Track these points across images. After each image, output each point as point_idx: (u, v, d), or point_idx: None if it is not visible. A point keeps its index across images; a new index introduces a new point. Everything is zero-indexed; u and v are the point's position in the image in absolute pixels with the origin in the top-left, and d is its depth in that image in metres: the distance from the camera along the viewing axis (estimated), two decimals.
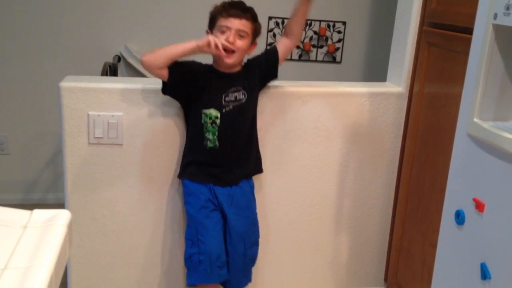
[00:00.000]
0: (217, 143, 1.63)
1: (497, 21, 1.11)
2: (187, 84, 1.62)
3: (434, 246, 1.41)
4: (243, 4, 1.64)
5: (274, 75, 1.74)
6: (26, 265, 0.58)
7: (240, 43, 1.59)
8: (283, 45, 1.74)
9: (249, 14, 1.62)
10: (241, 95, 1.65)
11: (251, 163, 1.75)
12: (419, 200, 1.84)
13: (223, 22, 1.59)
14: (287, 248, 1.99)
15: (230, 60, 1.60)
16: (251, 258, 1.75)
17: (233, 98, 1.64)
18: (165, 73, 1.57)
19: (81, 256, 1.81)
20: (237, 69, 1.67)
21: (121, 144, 1.73)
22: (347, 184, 1.97)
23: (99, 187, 1.76)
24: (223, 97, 1.62)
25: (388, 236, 2.07)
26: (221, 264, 1.65)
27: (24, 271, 0.56)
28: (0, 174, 2.87)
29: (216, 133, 1.62)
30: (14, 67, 2.76)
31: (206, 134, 1.63)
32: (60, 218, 0.67)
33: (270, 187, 1.89)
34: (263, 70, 1.72)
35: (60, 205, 1.80)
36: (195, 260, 1.63)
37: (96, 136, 1.70)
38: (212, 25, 1.64)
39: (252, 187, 1.76)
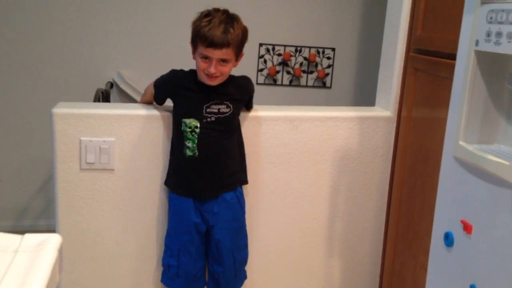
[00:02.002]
0: (196, 151, 1.62)
1: (479, 48, 1.15)
2: (171, 98, 1.70)
3: (425, 269, 1.42)
4: (224, 23, 1.52)
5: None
6: None
7: (224, 69, 1.57)
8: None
9: (230, 38, 1.52)
10: (225, 108, 1.63)
11: (234, 174, 1.72)
12: (409, 223, 1.85)
13: (204, 51, 1.53)
14: (279, 272, 1.98)
15: (214, 82, 1.59)
16: (241, 262, 1.78)
17: (215, 110, 1.62)
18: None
19: (71, 283, 1.79)
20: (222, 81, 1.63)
21: (113, 169, 1.74)
22: (338, 207, 1.98)
23: (90, 213, 1.76)
24: (204, 107, 1.61)
25: (380, 259, 2.07)
26: (198, 278, 1.73)
27: None
28: None
29: (196, 141, 1.61)
30: (6, 93, 2.78)
31: (186, 142, 1.61)
32: (51, 242, 0.68)
33: (261, 211, 1.90)
34: (245, 103, 1.76)
35: (51, 231, 1.78)
36: (173, 272, 1.71)
37: (88, 161, 1.71)
38: (194, 43, 1.59)
39: (239, 196, 1.74)
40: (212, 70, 1.54)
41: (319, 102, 3.02)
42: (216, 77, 1.57)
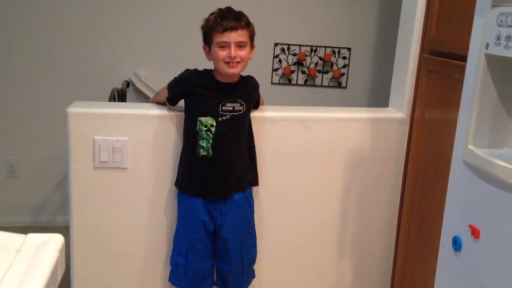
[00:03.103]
0: (210, 151, 1.64)
1: (489, 51, 1.13)
2: (185, 97, 1.72)
3: (435, 272, 1.41)
4: (233, 12, 1.61)
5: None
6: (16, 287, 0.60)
7: (243, 53, 1.60)
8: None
9: (243, 22, 1.59)
10: (239, 106, 1.66)
11: (244, 175, 1.74)
12: (421, 226, 1.83)
13: (220, 38, 1.58)
14: (289, 273, 1.99)
15: (236, 69, 1.62)
16: (249, 261, 1.79)
17: (231, 108, 1.65)
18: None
19: (85, 279, 1.83)
20: (236, 79, 1.68)
21: (126, 168, 1.77)
22: (350, 208, 1.98)
23: (103, 210, 1.79)
24: (220, 106, 1.64)
25: (392, 261, 2.06)
26: (206, 277, 1.75)
27: None
28: (10, 196, 2.93)
29: (211, 141, 1.63)
30: (25, 92, 2.85)
31: (200, 142, 1.64)
32: (52, 242, 0.69)
33: (272, 211, 1.90)
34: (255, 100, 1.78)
35: (68, 227, 1.83)
36: (180, 270, 1.73)
37: (101, 160, 1.74)
38: (208, 40, 1.63)
39: (248, 197, 1.76)
40: (233, 53, 1.58)
41: (334, 102, 3.01)
42: (238, 62, 1.60)
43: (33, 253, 0.67)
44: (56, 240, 0.70)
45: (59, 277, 0.69)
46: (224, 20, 1.57)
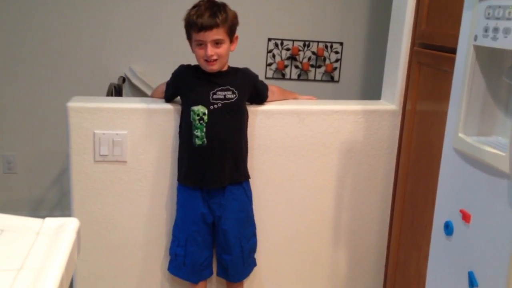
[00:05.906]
0: (205, 139, 1.67)
1: (477, 42, 1.18)
2: (179, 93, 1.77)
3: (428, 259, 1.46)
4: (210, 9, 1.62)
5: (259, 104, 1.86)
6: (39, 265, 0.64)
7: (219, 50, 1.64)
8: (272, 97, 1.88)
9: (218, 20, 1.60)
10: (230, 94, 1.69)
11: (241, 165, 1.78)
12: (413, 214, 1.89)
13: (197, 37, 1.63)
14: (286, 262, 2.04)
15: (214, 66, 1.66)
16: (250, 250, 1.84)
17: (222, 96, 1.68)
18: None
19: (86, 271, 1.87)
20: (224, 68, 1.72)
21: (125, 161, 1.80)
22: (344, 198, 2.03)
23: (103, 203, 1.83)
24: (210, 94, 1.67)
25: (385, 249, 2.12)
26: (204, 267, 1.79)
27: (38, 271, 0.63)
28: (8, 192, 2.95)
29: (204, 130, 1.67)
30: (22, 88, 2.86)
31: (195, 131, 1.67)
32: (69, 225, 0.73)
33: (268, 202, 1.95)
34: (252, 92, 1.80)
35: None
36: (179, 260, 1.78)
37: (101, 153, 1.78)
38: (188, 35, 1.69)
39: (245, 188, 1.80)
40: (208, 52, 1.62)
41: (327, 96, 3.04)
42: (215, 60, 1.65)
43: (52, 235, 0.71)
44: (73, 223, 0.74)
45: (77, 258, 0.73)
46: (199, 19, 1.60)
